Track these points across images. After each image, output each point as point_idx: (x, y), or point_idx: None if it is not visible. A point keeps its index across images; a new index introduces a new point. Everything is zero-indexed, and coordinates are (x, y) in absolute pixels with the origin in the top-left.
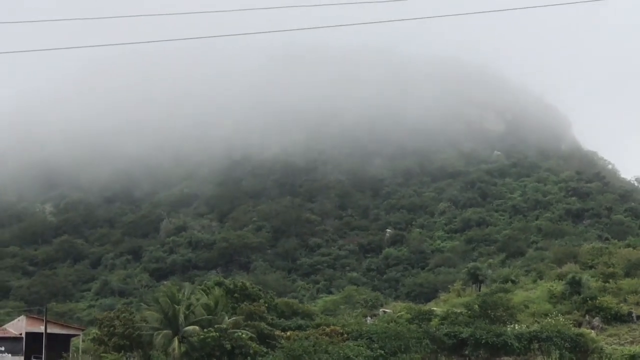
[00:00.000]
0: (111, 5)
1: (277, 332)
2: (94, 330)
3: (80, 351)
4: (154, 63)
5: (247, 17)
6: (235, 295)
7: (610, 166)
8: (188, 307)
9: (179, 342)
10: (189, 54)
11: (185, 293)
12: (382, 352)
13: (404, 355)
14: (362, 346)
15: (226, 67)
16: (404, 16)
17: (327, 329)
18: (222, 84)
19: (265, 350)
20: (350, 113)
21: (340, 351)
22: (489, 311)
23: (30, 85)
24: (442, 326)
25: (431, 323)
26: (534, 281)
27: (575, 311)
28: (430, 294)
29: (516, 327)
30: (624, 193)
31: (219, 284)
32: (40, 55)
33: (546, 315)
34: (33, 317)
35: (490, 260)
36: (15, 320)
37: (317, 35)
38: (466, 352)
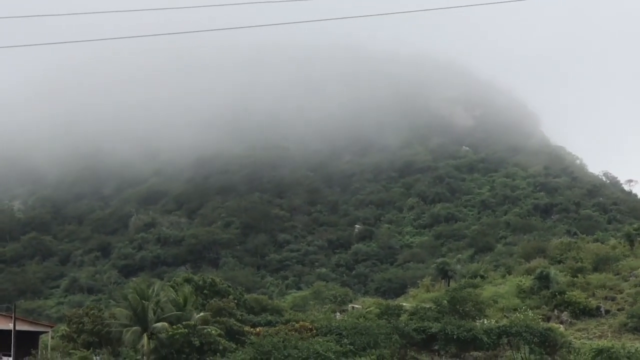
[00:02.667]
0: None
1: (247, 328)
2: (62, 327)
3: (49, 348)
4: (125, 60)
5: (215, 16)
6: (205, 291)
7: (578, 161)
8: (157, 303)
9: (148, 338)
10: (159, 51)
11: (155, 290)
12: (352, 347)
13: (373, 350)
14: (332, 342)
15: (195, 65)
16: (369, 12)
17: (297, 325)
18: (191, 81)
19: (234, 347)
20: (318, 110)
21: (310, 347)
22: (458, 306)
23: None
24: (411, 321)
25: (400, 318)
26: (503, 276)
27: (544, 306)
28: (399, 290)
29: (485, 322)
30: (592, 188)
31: (188, 281)
32: (13, 52)
33: (515, 310)
34: (1, 315)
35: (459, 256)
36: None
37: (280, 34)
38: (436, 347)
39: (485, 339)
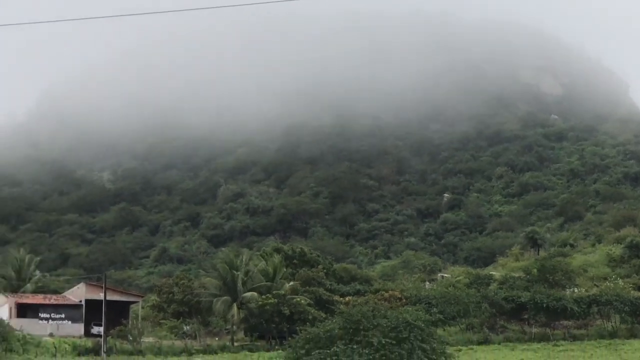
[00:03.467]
0: None
1: (336, 298)
2: (153, 297)
3: (139, 318)
4: (208, 31)
5: None
6: (294, 261)
7: None
8: (246, 273)
9: (238, 308)
10: (241, 23)
11: (244, 259)
12: (441, 316)
13: (463, 319)
14: (421, 311)
15: (284, 34)
16: None
17: (386, 294)
18: (279, 51)
19: (324, 316)
20: (406, 78)
21: (399, 316)
22: (548, 275)
23: (83, 55)
24: (500, 290)
25: (490, 287)
26: (593, 245)
27: (635, 274)
28: (488, 259)
29: (575, 291)
30: None
31: (277, 250)
32: (105, 24)
33: (605, 278)
34: (92, 285)
35: (549, 225)
36: (75, 287)
37: (370, 2)
38: (525, 317)
39: (575, 308)
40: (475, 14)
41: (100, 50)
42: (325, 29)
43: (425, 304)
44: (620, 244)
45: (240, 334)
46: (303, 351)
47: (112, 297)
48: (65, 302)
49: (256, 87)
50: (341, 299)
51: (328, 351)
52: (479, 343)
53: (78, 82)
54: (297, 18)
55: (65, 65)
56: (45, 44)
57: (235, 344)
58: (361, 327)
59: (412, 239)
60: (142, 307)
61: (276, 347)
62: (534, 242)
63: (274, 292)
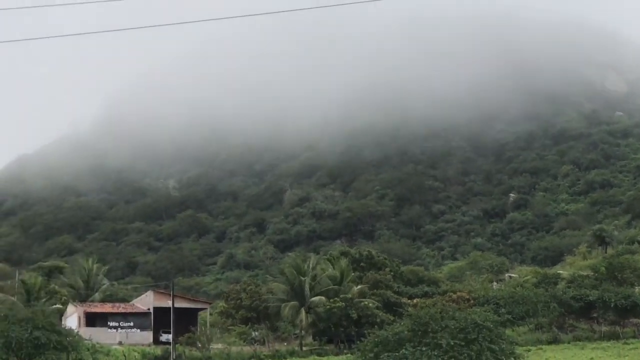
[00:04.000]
0: None
1: (404, 300)
2: (221, 304)
3: (208, 324)
4: (270, 39)
5: None
6: (362, 264)
7: None
8: (314, 277)
9: (306, 313)
10: (304, 25)
11: (311, 264)
12: (510, 317)
13: (532, 319)
14: (490, 311)
15: (341, 37)
16: None
17: (454, 295)
18: (339, 55)
19: (392, 318)
20: (471, 78)
21: (468, 317)
22: (616, 273)
23: (151, 62)
24: (569, 289)
25: (558, 287)
26: None
27: None
28: (555, 258)
29: None
30: None
31: (344, 254)
32: (162, 32)
33: None
34: (160, 292)
35: (616, 222)
36: (143, 295)
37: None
38: (594, 315)
39: None
40: (536, 14)
41: (157, 57)
42: (385, 33)
43: (494, 304)
44: None
45: (309, 339)
46: (372, 354)
47: (180, 304)
48: (134, 310)
49: (313, 92)
50: (409, 301)
51: (397, 354)
52: (548, 343)
53: (137, 90)
54: (351, 25)
55: (124, 74)
56: (103, 52)
57: (304, 348)
58: (429, 329)
59: (479, 240)
60: (210, 314)
61: (345, 350)
62: (601, 240)
63: (342, 295)
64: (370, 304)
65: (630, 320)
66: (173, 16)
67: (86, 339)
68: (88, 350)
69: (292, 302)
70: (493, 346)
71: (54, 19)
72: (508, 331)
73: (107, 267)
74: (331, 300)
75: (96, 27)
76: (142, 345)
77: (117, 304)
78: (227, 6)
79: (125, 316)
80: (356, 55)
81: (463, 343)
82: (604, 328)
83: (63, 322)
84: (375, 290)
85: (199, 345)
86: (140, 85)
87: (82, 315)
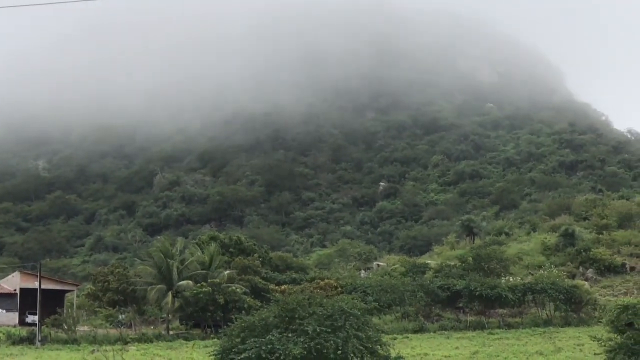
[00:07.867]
0: None
1: (272, 286)
2: (88, 286)
3: (74, 306)
4: (147, 17)
5: None
6: (230, 249)
7: (603, 118)
8: (182, 262)
9: (173, 296)
10: (182, 7)
11: (179, 248)
12: (377, 305)
13: (398, 307)
14: (357, 299)
15: (217, 22)
16: None
17: (322, 283)
18: (214, 39)
19: (259, 304)
20: (342, 66)
21: (335, 304)
22: (483, 263)
23: (20, 42)
24: (436, 279)
25: (425, 276)
26: (528, 233)
27: (569, 263)
28: (424, 247)
29: (510, 279)
30: (617, 145)
31: (213, 239)
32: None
33: (540, 267)
34: (27, 273)
35: (484, 213)
36: (10, 276)
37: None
38: (460, 305)
39: (510, 296)
40: (410, 5)
41: (29, 37)
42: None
43: (361, 292)
44: (555, 232)
45: (176, 323)
46: (238, 339)
47: (47, 285)
48: (0, 291)
49: (185, 76)
50: (277, 287)
51: (263, 339)
52: (415, 331)
53: (8, 70)
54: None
55: None
56: None
57: (171, 332)
58: (296, 316)
59: (348, 228)
60: (78, 296)
61: (212, 335)
62: (469, 231)
63: (210, 280)
64: (238, 289)
65: (496, 310)
66: None
67: None
68: None
69: (159, 286)
70: (360, 333)
71: None
72: (375, 319)
73: None
74: (198, 284)
75: None
76: (8, 326)
77: None
78: None
79: None
80: (228, 39)
81: (330, 330)
82: (469, 318)
83: None
84: (243, 276)
85: (65, 327)
86: (11, 65)
87: None
